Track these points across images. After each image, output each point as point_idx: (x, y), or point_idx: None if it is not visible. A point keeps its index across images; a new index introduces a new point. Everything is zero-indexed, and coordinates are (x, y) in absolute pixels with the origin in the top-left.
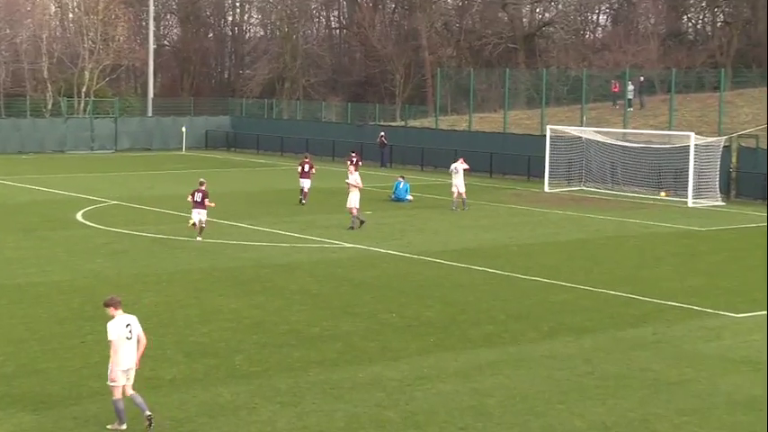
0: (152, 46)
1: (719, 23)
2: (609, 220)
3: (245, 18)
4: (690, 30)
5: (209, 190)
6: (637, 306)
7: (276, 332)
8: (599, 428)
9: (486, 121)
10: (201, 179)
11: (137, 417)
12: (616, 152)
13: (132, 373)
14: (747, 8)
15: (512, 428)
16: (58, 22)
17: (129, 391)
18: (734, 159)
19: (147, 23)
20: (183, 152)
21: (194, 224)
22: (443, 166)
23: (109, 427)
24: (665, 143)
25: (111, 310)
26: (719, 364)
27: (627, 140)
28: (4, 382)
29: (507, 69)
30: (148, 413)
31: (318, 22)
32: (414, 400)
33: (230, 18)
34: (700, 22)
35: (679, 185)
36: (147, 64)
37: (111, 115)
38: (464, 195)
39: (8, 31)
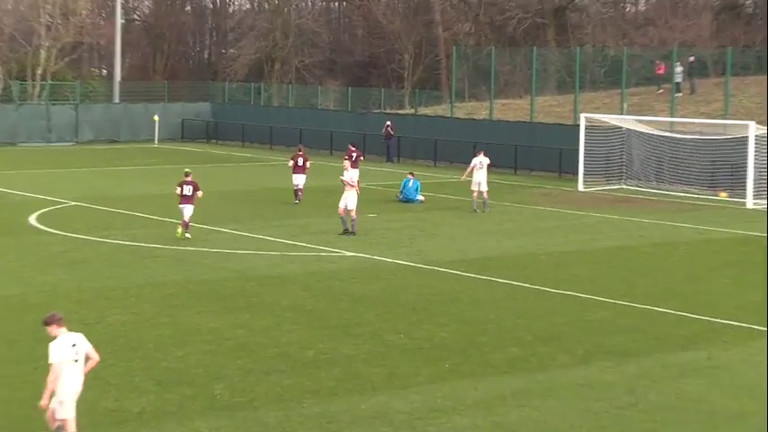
0: (119, 21)
1: None
2: (654, 224)
3: None
4: (748, 1)
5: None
6: (688, 325)
7: (263, 356)
8: None
9: (509, 109)
10: (187, 169)
11: None
12: (662, 145)
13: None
14: None
15: None
16: None
17: (72, 430)
18: None
19: None
20: (156, 145)
21: (186, 225)
22: (460, 161)
23: None
24: (719, 134)
25: (52, 329)
26: None
27: (674, 131)
28: None
29: (534, 48)
30: None
31: None
32: None
33: None
34: None
35: (736, 184)
36: (113, 42)
37: (71, 102)
38: (486, 195)
39: None
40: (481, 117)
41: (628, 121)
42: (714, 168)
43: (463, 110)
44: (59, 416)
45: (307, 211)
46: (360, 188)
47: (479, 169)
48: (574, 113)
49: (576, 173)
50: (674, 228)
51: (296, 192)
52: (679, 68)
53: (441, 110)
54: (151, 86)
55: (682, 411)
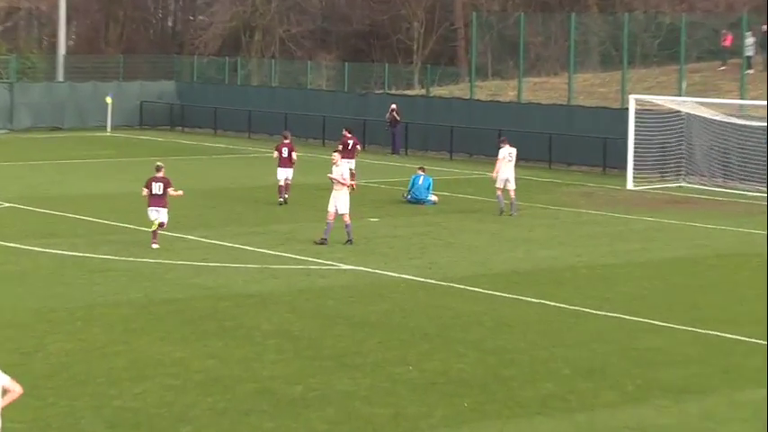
0: None
1: None
2: (721, 231)
3: None
4: None
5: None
6: (762, 355)
7: (241, 393)
8: None
9: (542, 89)
10: (159, 163)
11: None
12: (729, 133)
13: None
14: None
15: None
16: None
17: None
18: None
19: None
20: (109, 132)
21: (161, 224)
22: (481, 153)
23: None
24: None
25: None
26: None
27: (745, 116)
28: None
29: (573, 15)
30: None
31: None
32: None
33: None
34: None
35: None
36: (56, 7)
37: (4, 80)
38: (513, 195)
39: None
40: (507, 99)
41: (687, 104)
42: None
43: (485, 90)
44: None
45: (294, 214)
46: (356, 185)
47: (509, 161)
48: (621, 95)
49: (624, 168)
50: (746, 235)
51: (280, 189)
52: (750, 39)
53: (458, 90)
54: (103, 61)
55: None
